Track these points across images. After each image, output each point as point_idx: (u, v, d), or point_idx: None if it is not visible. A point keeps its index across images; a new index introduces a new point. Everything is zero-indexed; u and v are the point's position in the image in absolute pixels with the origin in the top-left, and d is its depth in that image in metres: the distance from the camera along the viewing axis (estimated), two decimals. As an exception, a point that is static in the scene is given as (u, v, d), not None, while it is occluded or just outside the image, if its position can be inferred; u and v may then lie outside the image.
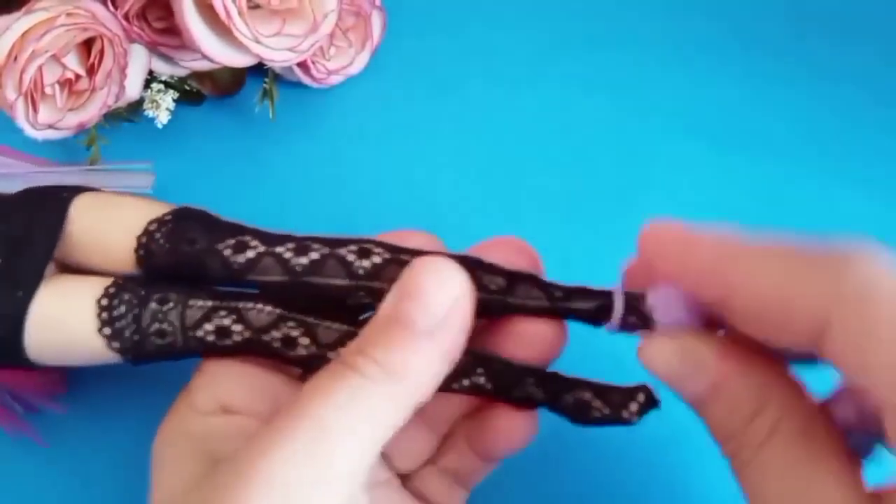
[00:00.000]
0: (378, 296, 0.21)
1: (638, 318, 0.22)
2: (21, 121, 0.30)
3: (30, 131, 0.30)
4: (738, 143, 0.37)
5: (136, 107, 0.34)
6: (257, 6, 0.31)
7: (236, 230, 0.23)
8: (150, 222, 0.23)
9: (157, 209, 0.24)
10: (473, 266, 0.22)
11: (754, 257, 0.19)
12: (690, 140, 0.37)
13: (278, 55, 0.32)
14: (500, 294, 0.22)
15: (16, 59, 0.28)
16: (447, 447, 0.25)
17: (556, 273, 0.24)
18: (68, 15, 0.29)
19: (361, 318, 0.23)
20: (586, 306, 0.22)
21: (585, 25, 0.40)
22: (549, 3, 0.40)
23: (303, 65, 0.35)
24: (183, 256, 0.23)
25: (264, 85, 0.35)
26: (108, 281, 0.23)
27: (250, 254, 0.23)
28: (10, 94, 0.29)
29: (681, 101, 0.38)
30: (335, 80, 0.37)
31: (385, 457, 0.24)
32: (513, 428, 0.23)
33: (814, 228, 0.35)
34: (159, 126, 0.34)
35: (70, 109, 0.31)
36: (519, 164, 0.36)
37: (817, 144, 0.37)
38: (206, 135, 0.36)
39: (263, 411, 0.22)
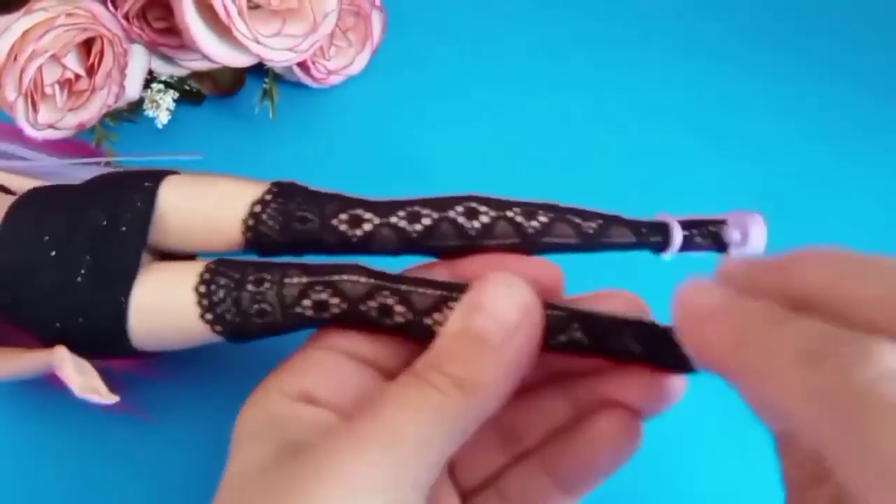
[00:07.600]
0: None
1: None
2: (21, 121, 0.30)
3: (30, 131, 0.30)
4: (740, 141, 0.37)
5: (136, 107, 0.34)
6: (257, 6, 0.31)
7: (342, 202, 0.24)
8: (254, 203, 0.24)
9: (252, 187, 0.24)
10: None
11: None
12: (692, 138, 0.37)
13: (278, 55, 0.32)
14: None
15: (16, 59, 0.28)
16: (518, 469, 0.24)
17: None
18: (68, 15, 0.29)
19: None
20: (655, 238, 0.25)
21: (586, 25, 0.40)
22: (549, 2, 0.40)
23: (303, 65, 0.35)
24: (296, 235, 0.24)
25: (264, 85, 0.35)
26: (201, 267, 0.23)
27: (367, 227, 0.23)
28: (10, 94, 0.29)
29: (682, 100, 0.38)
30: (335, 80, 0.37)
31: (450, 471, 0.24)
32: (616, 431, 0.22)
33: (814, 227, 0.35)
34: (159, 126, 0.34)
35: (70, 109, 0.31)
36: (519, 163, 0.36)
37: (819, 142, 0.37)
38: (206, 135, 0.36)
39: (344, 406, 0.22)
